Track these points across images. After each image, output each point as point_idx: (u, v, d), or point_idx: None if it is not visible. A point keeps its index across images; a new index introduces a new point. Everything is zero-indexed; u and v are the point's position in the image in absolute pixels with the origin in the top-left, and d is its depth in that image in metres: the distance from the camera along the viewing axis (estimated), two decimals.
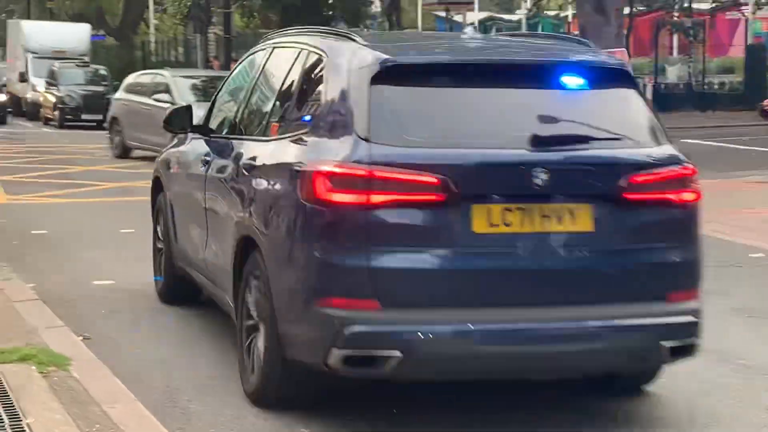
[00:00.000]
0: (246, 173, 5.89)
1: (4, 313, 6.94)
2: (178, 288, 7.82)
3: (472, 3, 48.34)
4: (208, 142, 6.96)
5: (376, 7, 43.12)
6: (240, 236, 5.79)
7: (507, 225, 4.97)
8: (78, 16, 51.51)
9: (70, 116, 31.48)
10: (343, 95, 5.22)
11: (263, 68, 6.66)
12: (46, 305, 7.35)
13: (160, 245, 8.12)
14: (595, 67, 5.54)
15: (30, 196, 14.34)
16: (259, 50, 6.96)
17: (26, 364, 5.71)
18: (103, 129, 30.42)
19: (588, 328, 5.03)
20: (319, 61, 5.69)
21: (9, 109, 34.82)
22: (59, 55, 37.02)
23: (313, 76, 5.73)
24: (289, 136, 5.57)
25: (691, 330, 5.21)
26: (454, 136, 5.08)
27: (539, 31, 18.57)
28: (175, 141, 8.04)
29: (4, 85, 36.63)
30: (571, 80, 5.31)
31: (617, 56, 7.79)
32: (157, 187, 8.25)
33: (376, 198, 4.87)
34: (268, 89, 6.47)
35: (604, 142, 5.26)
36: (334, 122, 5.20)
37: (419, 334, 4.82)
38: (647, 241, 5.17)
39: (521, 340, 4.98)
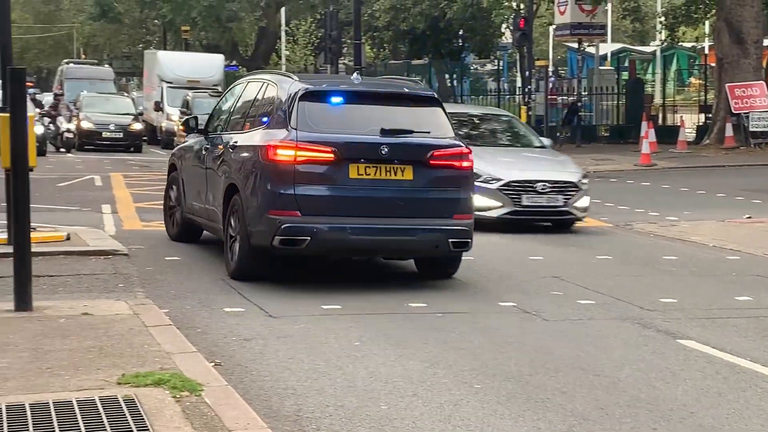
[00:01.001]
0: (231, 150, 10.78)
1: (139, 337, 7.11)
2: (186, 231, 12.65)
3: (605, 34, 47.91)
4: (205, 138, 11.84)
5: (507, 38, 43.05)
6: (227, 185, 10.56)
7: (367, 175, 9.80)
8: (212, 46, 52.77)
9: None
10: (284, 106, 10.12)
11: (242, 93, 11.75)
12: (179, 330, 7.50)
13: (171, 205, 13.01)
14: (417, 95, 10.67)
15: (162, 223, 14.66)
16: (239, 83, 12.26)
17: (160, 388, 5.84)
18: None
19: (409, 228, 9.90)
20: (272, 88, 10.69)
21: (144, 138, 35.86)
22: (193, 85, 37.98)
23: (268, 96, 10.70)
24: (255, 129, 10.61)
25: (465, 234, 10.07)
26: (340, 128, 9.96)
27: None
28: (186, 141, 12.99)
29: (141, 114, 37.67)
30: (403, 101, 10.53)
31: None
32: (172, 169, 13.22)
33: (299, 158, 9.70)
34: (245, 104, 11.44)
35: (420, 134, 10.16)
36: (279, 120, 10.12)
37: (318, 228, 9.66)
38: (442, 186, 10.01)
39: (372, 233, 9.81)
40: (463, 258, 10.89)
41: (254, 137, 10.36)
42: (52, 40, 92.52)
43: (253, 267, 10.15)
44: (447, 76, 38.78)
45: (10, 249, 9.50)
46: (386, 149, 9.73)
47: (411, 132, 10.07)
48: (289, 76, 10.73)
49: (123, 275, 10.35)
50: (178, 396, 5.74)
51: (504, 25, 39.41)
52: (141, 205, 16.74)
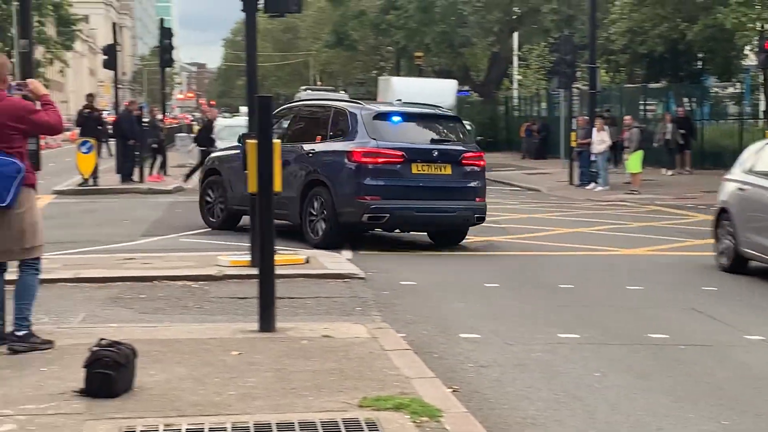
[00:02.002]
0: (309, 156, 14.79)
1: (379, 361, 7.23)
2: (228, 220, 16.55)
3: None
4: None
5: (751, 59, 41.56)
6: (308, 180, 14.58)
7: (423, 171, 14.26)
8: (444, 72, 53.37)
9: None
10: (361, 123, 14.44)
11: (296, 116, 16.36)
12: (417, 355, 7.58)
13: (208, 200, 17.01)
14: (447, 115, 15.84)
15: (398, 247, 14.92)
16: (285, 110, 17.06)
17: (400, 412, 5.92)
18: None
19: (451, 208, 14.37)
20: (341, 111, 15.06)
21: None
22: None
23: (339, 117, 14.99)
24: (334, 140, 14.76)
25: (483, 211, 14.80)
26: (401, 138, 14.35)
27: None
28: (220, 151, 17.93)
29: None
30: (437, 119, 15.45)
31: None
32: (210, 174, 17.16)
33: (379, 159, 14.04)
34: (309, 123, 15.81)
35: (454, 142, 14.82)
36: (358, 133, 14.41)
37: (394, 208, 13.98)
38: (469, 179, 14.57)
39: (428, 211, 14.27)
40: (712, 289, 11.09)
41: (335, 146, 14.58)
42: (290, 68, 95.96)
43: (337, 239, 14.28)
44: (686, 99, 37.73)
45: (253, 271, 9.90)
46: (436, 153, 14.53)
47: (450, 141, 14.93)
48: (358, 103, 15.78)
49: (360, 299, 10.57)
50: (418, 421, 5.79)
51: (748, 47, 38.10)
52: (378, 232, 17.02)
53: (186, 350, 7.50)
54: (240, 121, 40.68)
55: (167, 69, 32.37)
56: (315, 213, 14.52)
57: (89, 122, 27.33)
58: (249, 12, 12.05)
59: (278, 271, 8.67)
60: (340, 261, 12.95)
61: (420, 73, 52.79)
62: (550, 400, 6.86)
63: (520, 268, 13.22)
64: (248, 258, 11.79)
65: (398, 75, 53.11)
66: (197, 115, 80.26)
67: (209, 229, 16.72)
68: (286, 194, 13.30)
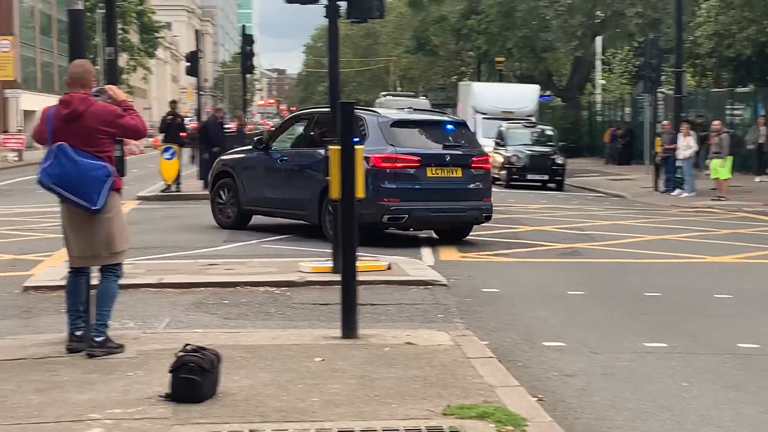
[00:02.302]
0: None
1: (462, 369, 7.21)
2: (239, 220, 17.58)
3: None
4: (272, 153, 16.99)
5: None
6: (323, 187, 13.47)
7: (437, 174, 15.25)
8: (526, 77, 53.11)
9: (516, 176, 32.35)
10: (379, 131, 15.34)
11: (314, 122, 16.70)
12: (501, 363, 7.55)
13: (220, 201, 17.90)
14: (456, 121, 16.82)
15: (480, 254, 14.89)
16: (300, 116, 18.25)
17: (485, 421, 5.89)
18: (548, 189, 31.11)
19: (462, 208, 15.52)
20: (361, 119, 15.32)
21: None
22: (507, 116, 38.32)
23: (359, 125, 14.92)
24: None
25: (490, 210, 15.96)
26: (416, 144, 15.45)
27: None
28: (231, 155, 18.69)
29: None
30: (449, 126, 16.18)
31: None
32: (221, 176, 17.93)
33: (398, 164, 14.99)
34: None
35: (464, 146, 15.82)
36: (377, 140, 15.17)
37: (412, 209, 15.02)
38: (477, 181, 15.63)
39: (442, 211, 15.41)
40: None
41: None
42: (370, 73, 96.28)
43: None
44: None
45: (336, 277, 9.94)
46: (448, 157, 15.55)
47: (460, 145, 15.93)
48: (375, 111, 16.74)
49: (442, 306, 10.56)
50: (503, 430, 5.77)
51: None
52: None
53: (269, 356, 7.56)
54: None
55: (248, 75, 32.68)
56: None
57: (172, 128, 27.70)
58: (331, 18, 12.13)
59: (360, 277, 8.70)
60: (422, 267, 12.95)
61: (501, 78, 52.61)
62: (637, 410, 6.78)
63: (605, 275, 13.09)
64: (330, 264, 11.85)
65: (479, 80, 52.99)
66: (277, 121, 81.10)
67: (291, 235, 16.85)
68: (305, 196, 15.83)
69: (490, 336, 9.02)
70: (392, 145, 15.13)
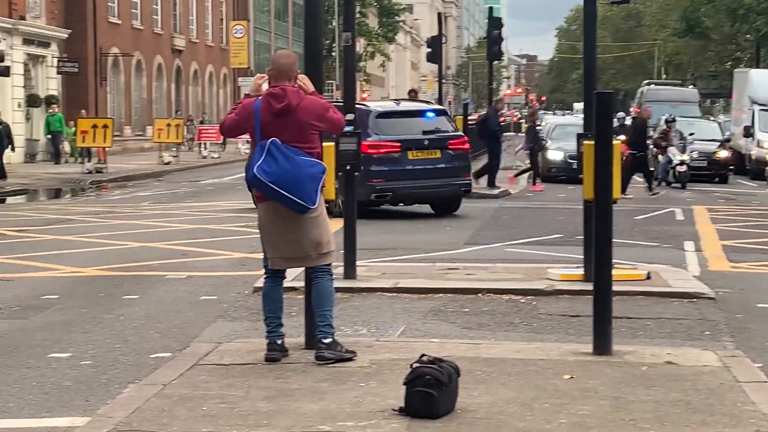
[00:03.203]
0: None
1: (731, 394, 7.02)
2: None
3: None
4: None
5: None
6: None
7: (418, 156, 20.31)
8: None
9: None
10: (367, 122, 19.67)
11: None
12: None
13: None
14: (435, 109, 21.98)
15: (754, 264, 14.42)
16: None
17: None
18: None
19: (442, 184, 20.43)
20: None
21: (731, 167, 35.38)
22: None
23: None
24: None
25: (469, 186, 21.52)
26: (399, 131, 20.37)
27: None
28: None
29: (728, 140, 37.28)
30: (428, 114, 21.16)
31: None
32: None
33: (381, 150, 19.88)
34: None
35: (442, 132, 20.84)
36: (365, 130, 18.41)
37: (395, 187, 20.15)
38: (457, 160, 20.75)
39: (424, 188, 20.40)
40: None
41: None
42: (631, 59, 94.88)
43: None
44: None
45: (587, 286, 9.86)
46: (427, 141, 20.14)
47: (438, 131, 20.33)
48: (364, 104, 21.33)
49: (709, 322, 10.30)
50: None
51: None
52: (728, 243, 16.55)
53: (512, 371, 7.58)
54: (573, 119, 40.58)
55: (495, 62, 32.78)
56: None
57: None
58: None
59: (615, 287, 8.59)
60: (687, 278, 12.67)
61: None
62: None
63: None
64: (581, 272, 11.76)
65: (758, 67, 51.26)
66: (525, 112, 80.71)
67: (537, 239, 16.82)
68: None
69: (764, 357, 8.73)
70: (377, 134, 19.72)
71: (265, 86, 8.05)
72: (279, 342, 8.03)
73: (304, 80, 8.08)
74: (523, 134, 34.84)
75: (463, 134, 21.90)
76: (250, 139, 8.23)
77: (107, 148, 37.28)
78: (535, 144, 29.63)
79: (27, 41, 43.39)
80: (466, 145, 21.28)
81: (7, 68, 32.55)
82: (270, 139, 7.75)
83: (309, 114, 7.88)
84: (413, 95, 29.64)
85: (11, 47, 41.55)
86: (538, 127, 31.34)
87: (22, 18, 42.86)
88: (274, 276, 8.16)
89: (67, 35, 46.38)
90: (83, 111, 43.03)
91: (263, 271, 8.28)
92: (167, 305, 11.16)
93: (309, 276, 8.24)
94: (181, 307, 11.03)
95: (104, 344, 9.27)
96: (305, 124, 7.86)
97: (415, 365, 6.64)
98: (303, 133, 7.85)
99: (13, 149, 33.54)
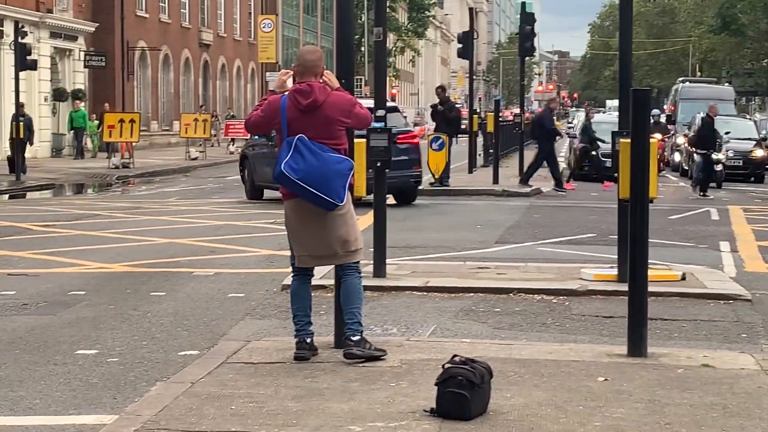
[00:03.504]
0: None
1: None
2: (254, 193, 24.15)
3: None
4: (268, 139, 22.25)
5: None
6: None
7: None
8: None
9: None
10: None
11: None
12: None
13: (245, 178, 24.63)
14: (388, 107, 14.34)
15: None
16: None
17: None
18: None
19: (395, 176, 19.37)
20: None
21: (767, 166, 35.19)
22: None
23: None
24: None
25: (420, 176, 23.78)
26: None
27: None
28: (248, 146, 25.95)
29: (764, 139, 37.06)
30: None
31: None
32: (243, 158, 25.05)
33: None
34: None
35: (392, 127, 14.97)
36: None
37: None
38: (407, 154, 22.71)
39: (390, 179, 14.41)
40: None
41: None
42: (665, 56, 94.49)
43: None
44: None
45: (621, 287, 9.83)
46: None
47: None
48: None
49: (746, 324, 10.24)
50: None
51: None
52: (765, 244, 16.45)
53: (545, 372, 7.56)
54: (605, 117, 40.48)
55: (527, 58, 32.72)
56: None
57: (438, 117, 28.10)
58: None
59: (650, 288, 8.54)
60: (723, 279, 12.59)
61: None
62: None
63: None
64: (615, 272, 11.71)
65: None
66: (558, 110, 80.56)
67: (569, 238, 16.77)
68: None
69: None
70: None
71: (289, 82, 8.06)
72: (308, 341, 8.03)
73: (329, 76, 8.05)
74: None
75: (412, 129, 24.76)
76: (276, 135, 8.21)
77: (134, 143, 37.44)
78: (591, 142, 30.00)
79: (54, 35, 43.65)
80: (416, 140, 23.55)
81: (34, 62, 32.67)
82: (297, 136, 7.76)
83: (336, 110, 7.87)
84: (440, 92, 29.58)
85: (38, 40, 41.83)
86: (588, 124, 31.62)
87: (50, 11, 43.13)
88: (302, 274, 8.15)
89: (94, 29, 46.62)
90: (106, 105, 43.18)
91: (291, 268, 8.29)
92: (195, 302, 11.18)
93: (338, 274, 8.23)
94: (209, 305, 11.06)
95: (131, 341, 9.30)
96: (332, 119, 7.86)
97: (447, 366, 6.63)
98: (330, 129, 7.85)
99: (31, 143, 33.67)
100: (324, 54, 8.32)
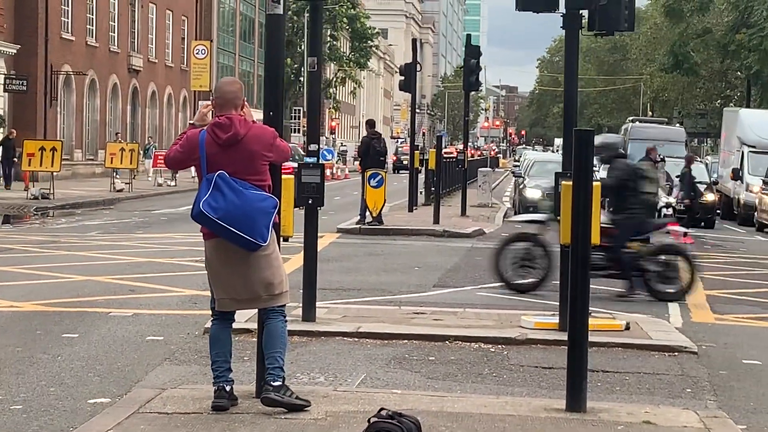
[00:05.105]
0: None
1: None
2: None
3: None
4: None
5: None
6: None
7: None
8: None
9: None
10: None
11: None
12: None
13: None
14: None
15: (740, 316, 14.41)
16: None
17: None
18: None
19: None
20: None
21: (718, 211, 35.48)
22: None
23: None
24: None
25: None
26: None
27: None
28: None
29: (715, 183, 37.42)
30: None
31: None
32: None
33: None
34: None
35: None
36: None
37: None
38: None
39: None
40: None
41: None
42: (615, 94, 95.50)
43: None
44: None
45: (563, 336, 9.79)
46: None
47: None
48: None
49: (691, 378, 10.25)
50: None
51: None
52: (713, 293, 16.52)
53: (478, 428, 7.49)
54: (552, 156, 40.69)
55: (472, 93, 32.83)
56: None
57: (371, 151, 27.96)
58: (570, 29, 12.00)
59: (592, 338, 8.53)
60: (668, 330, 12.62)
61: None
62: None
63: None
64: (556, 320, 11.69)
65: (748, 106, 51.67)
66: (503, 146, 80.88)
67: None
68: None
69: (748, 419, 8.69)
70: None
71: (210, 116, 7.96)
72: (227, 389, 7.89)
73: (247, 110, 7.97)
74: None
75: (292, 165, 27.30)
76: (195, 174, 8.10)
77: (55, 173, 37.05)
78: (694, 191, 30.57)
79: None
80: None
81: None
82: (217, 172, 7.65)
83: (259, 143, 7.78)
84: (369, 127, 29.18)
85: None
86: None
87: None
88: (223, 318, 8.03)
89: (15, 51, 46.19)
90: (13, 131, 42.35)
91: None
92: (110, 345, 11.00)
93: (261, 318, 8.12)
94: (125, 348, 10.88)
95: (38, 387, 9.11)
96: (255, 154, 7.77)
97: (373, 420, 6.54)
98: (253, 165, 7.76)
99: None
100: (243, 86, 8.23)
